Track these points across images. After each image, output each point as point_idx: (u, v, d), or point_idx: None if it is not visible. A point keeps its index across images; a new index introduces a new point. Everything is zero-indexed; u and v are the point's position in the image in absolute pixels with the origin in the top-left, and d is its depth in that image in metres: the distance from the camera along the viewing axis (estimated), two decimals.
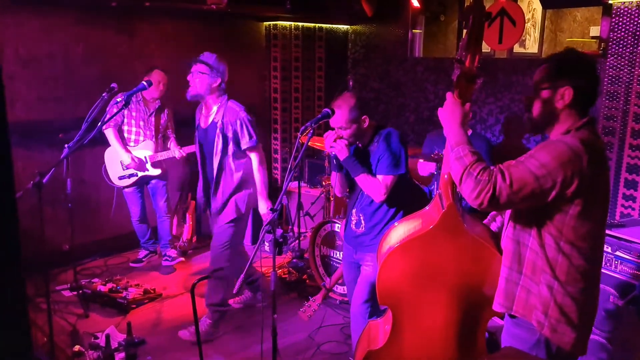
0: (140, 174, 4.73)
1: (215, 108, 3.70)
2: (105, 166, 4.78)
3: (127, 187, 4.81)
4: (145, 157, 4.71)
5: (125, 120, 4.70)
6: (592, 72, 1.99)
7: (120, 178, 4.75)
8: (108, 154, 4.77)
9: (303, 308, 3.84)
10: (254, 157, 3.75)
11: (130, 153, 4.65)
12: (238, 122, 3.64)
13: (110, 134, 4.63)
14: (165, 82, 4.61)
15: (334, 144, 2.91)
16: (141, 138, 4.72)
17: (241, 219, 3.85)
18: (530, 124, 2.09)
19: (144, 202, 4.97)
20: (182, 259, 5.11)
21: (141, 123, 4.71)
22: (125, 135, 4.73)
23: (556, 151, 1.86)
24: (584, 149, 1.85)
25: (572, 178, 1.83)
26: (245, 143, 3.67)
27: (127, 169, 4.70)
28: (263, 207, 3.79)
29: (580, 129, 1.94)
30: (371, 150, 2.99)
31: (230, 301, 4.23)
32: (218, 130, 3.66)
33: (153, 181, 4.88)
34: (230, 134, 3.65)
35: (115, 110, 3.64)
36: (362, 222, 3.06)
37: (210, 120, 3.73)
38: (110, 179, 4.78)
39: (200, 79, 3.59)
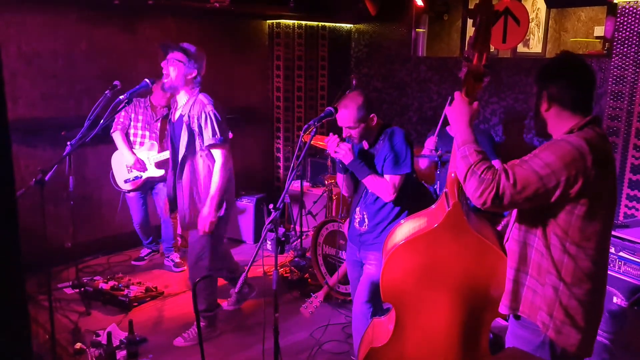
0: (144, 175, 4.73)
1: (184, 100, 3.49)
2: (112, 171, 4.81)
3: (131, 191, 4.82)
4: (148, 158, 4.71)
5: (132, 123, 4.71)
6: (574, 72, 1.99)
7: (126, 181, 4.77)
8: (115, 159, 4.80)
9: (305, 304, 3.84)
10: (217, 156, 3.47)
11: (134, 155, 4.67)
12: (203, 116, 3.39)
13: (117, 136, 4.68)
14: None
15: (338, 149, 2.88)
16: (146, 140, 4.73)
17: (217, 225, 3.58)
18: (534, 127, 2.15)
19: (146, 209, 4.98)
20: (185, 267, 4.96)
21: (147, 126, 4.72)
22: (131, 138, 4.75)
23: (560, 150, 1.85)
24: (588, 149, 1.84)
25: (577, 178, 1.82)
26: (207, 139, 3.42)
27: (131, 171, 4.71)
28: (205, 213, 3.47)
29: (584, 128, 1.93)
30: (377, 150, 2.97)
31: (224, 304, 4.15)
32: (184, 125, 3.45)
33: (158, 184, 4.86)
34: (196, 129, 3.43)
35: (118, 108, 3.63)
36: (366, 220, 3.04)
37: (178, 114, 3.53)
38: (117, 183, 4.80)
39: (176, 67, 3.39)
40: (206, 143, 3.45)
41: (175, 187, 3.67)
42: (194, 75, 3.46)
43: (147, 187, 4.86)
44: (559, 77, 1.98)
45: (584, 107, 1.98)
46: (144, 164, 4.70)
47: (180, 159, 3.52)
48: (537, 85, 2.04)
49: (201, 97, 3.47)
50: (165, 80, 3.45)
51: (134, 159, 4.64)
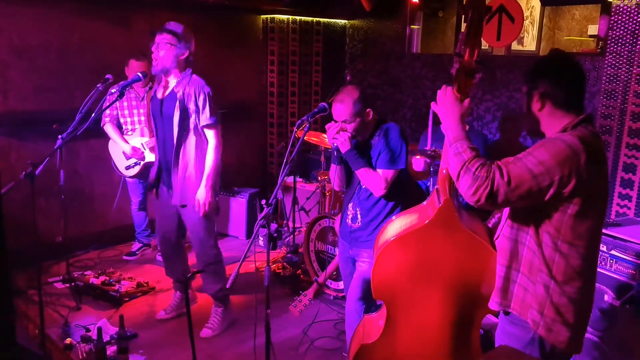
0: (141, 162, 4.72)
1: (175, 80, 3.47)
2: (113, 160, 4.82)
3: (133, 176, 4.82)
4: (142, 145, 4.69)
5: (119, 112, 4.69)
6: (566, 70, 1.99)
7: (127, 168, 4.77)
8: (111, 148, 4.80)
9: (294, 303, 3.83)
10: (211, 136, 3.51)
11: (128, 143, 4.66)
12: (201, 96, 3.41)
13: (109, 128, 4.67)
14: (146, 69, 4.51)
15: (337, 135, 2.87)
16: (136, 126, 4.72)
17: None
18: (527, 127, 2.14)
19: (145, 192, 5.00)
20: None
21: (134, 111, 4.72)
22: (123, 126, 4.74)
23: (554, 149, 1.84)
24: (582, 148, 1.83)
25: (570, 177, 1.81)
26: (204, 119, 3.44)
27: (129, 158, 4.70)
28: (202, 194, 3.49)
29: (578, 126, 1.93)
30: (372, 145, 2.96)
31: (162, 312, 4.01)
32: (177, 102, 3.41)
33: None
34: (192, 106, 3.43)
35: (109, 102, 3.60)
36: (359, 216, 3.03)
37: (169, 90, 3.48)
38: (119, 170, 4.81)
39: (167, 50, 3.37)
40: (203, 123, 3.47)
41: (163, 166, 3.66)
42: (186, 55, 3.44)
43: (146, 173, 4.85)
44: (551, 75, 1.98)
45: (576, 105, 1.97)
46: (142, 152, 4.68)
47: (175, 138, 3.49)
48: (529, 84, 2.03)
49: (195, 76, 3.49)
50: (157, 63, 3.42)
51: (131, 147, 4.63)
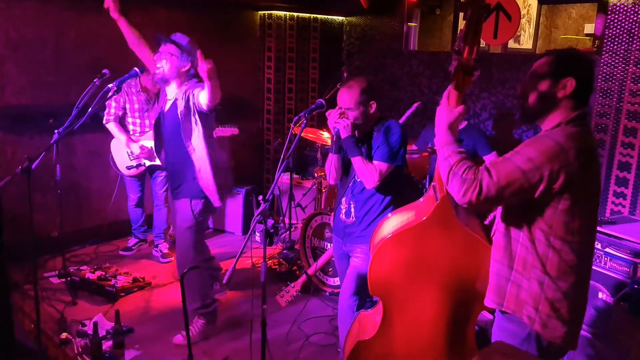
0: (148, 163, 4.71)
1: (175, 92, 3.45)
2: (112, 155, 4.78)
3: (130, 176, 4.80)
4: (151, 147, 4.62)
5: (128, 112, 4.68)
6: (592, 68, 2.04)
7: (128, 168, 4.73)
8: (114, 144, 4.76)
9: (281, 293, 3.83)
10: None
11: (137, 143, 4.64)
12: (197, 88, 3.33)
13: (112, 127, 4.64)
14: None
15: (339, 120, 2.85)
16: (147, 129, 4.69)
17: (201, 220, 3.56)
18: (523, 112, 2.09)
19: (143, 189, 5.00)
20: (172, 258, 4.88)
21: (145, 114, 4.68)
22: (130, 127, 4.72)
23: (542, 146, 1.87)
24: (571, 144, 1.86)
25: (559, 172, 1.84)
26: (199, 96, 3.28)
27: (136, 158, 4.68)
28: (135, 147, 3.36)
29: (571, 122, 1.94)
30: (371, 139, 2.96)
31: None
32: (183, 107, 3.36)
33: (158, 171, 4.85)
34: (191, 104, 3.34)
35: (107, 97, 3.60)
36: (352, 210, 3.02)
37: (169, 104, 3.47)
38: (118, 168, 4.77)
39: (169, 61, 3.36)
40: (198, 99, 3.31)
41: (170, 174, 3.61)
42: (187, 68, 3.43)
43: (147, 171, 4.85)
44: (582, 68, 1.99)
45: (586, 102, 2.00)
46: (152, 151, 4.61)
47: (189, 147, 3.41)
48: (555, 72, 1.99)
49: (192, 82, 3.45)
50: (157, 72, 3.40)
51: (139, 146, 4.61)
